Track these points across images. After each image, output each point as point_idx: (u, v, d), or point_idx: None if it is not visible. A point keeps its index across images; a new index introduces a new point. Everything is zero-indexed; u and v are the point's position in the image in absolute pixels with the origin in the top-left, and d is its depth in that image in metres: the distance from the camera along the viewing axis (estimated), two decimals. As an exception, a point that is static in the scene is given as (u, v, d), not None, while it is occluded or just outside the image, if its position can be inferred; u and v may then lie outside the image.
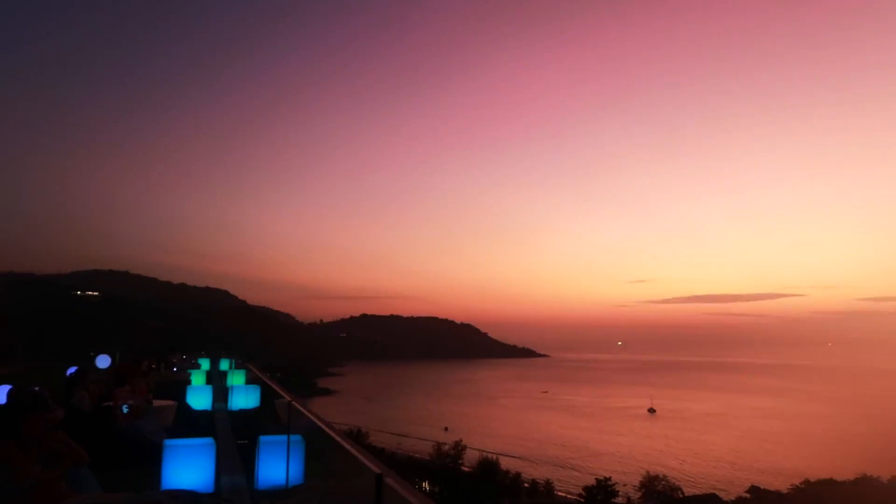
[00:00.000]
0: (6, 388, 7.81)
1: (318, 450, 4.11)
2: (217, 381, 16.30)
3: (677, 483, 68.12)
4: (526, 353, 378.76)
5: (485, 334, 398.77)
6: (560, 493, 67.31)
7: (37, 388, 7.29)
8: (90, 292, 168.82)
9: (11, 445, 4.41)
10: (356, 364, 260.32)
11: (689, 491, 66.79)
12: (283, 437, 5.42)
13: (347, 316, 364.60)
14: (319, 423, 3.47)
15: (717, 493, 63.45)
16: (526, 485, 66.59)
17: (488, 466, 65.75)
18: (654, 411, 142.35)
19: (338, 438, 2.83)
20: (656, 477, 67.33)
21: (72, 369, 12.24)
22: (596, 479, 61.34)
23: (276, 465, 5.22)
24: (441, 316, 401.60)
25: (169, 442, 5.53)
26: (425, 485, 58.73)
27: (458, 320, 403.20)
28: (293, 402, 3.73)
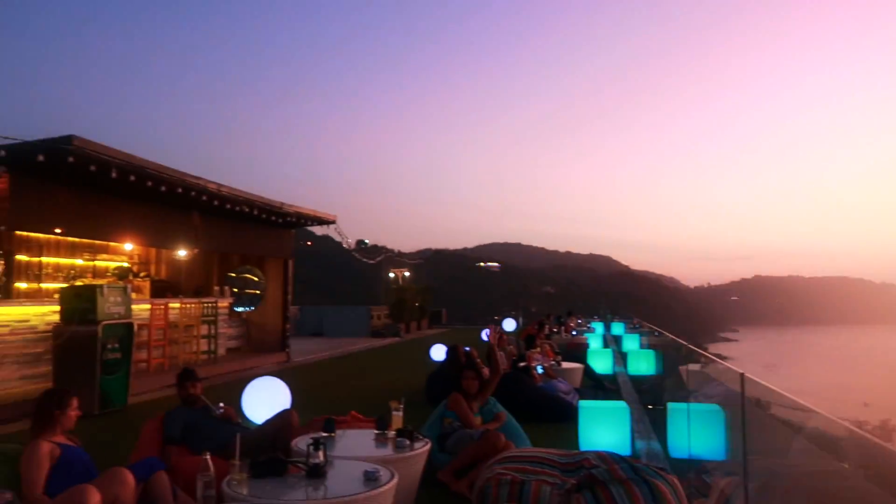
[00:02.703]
0: (445, 347, 9.22)
1: (750, 423, 3.79)
2: (612, 344, 16.75)
3: None
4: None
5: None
6: None
7: (468, 349, 8.42)
8: (491, 263, 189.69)
9: (460, 397, 5.15)
10: (750, 328, 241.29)
11: None
12: (699, 406, 5.22)
13: (738, 278, 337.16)
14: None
15: None
16: None
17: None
18: None
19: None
20: None
21: (486, 331, 13.86)
22: None
23: (696, 435, 5.05)
24: (853, 275, 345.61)
25: (584, 403, 5.78)
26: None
27: (875, 280, 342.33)
28: (744, 375, 3.45)
